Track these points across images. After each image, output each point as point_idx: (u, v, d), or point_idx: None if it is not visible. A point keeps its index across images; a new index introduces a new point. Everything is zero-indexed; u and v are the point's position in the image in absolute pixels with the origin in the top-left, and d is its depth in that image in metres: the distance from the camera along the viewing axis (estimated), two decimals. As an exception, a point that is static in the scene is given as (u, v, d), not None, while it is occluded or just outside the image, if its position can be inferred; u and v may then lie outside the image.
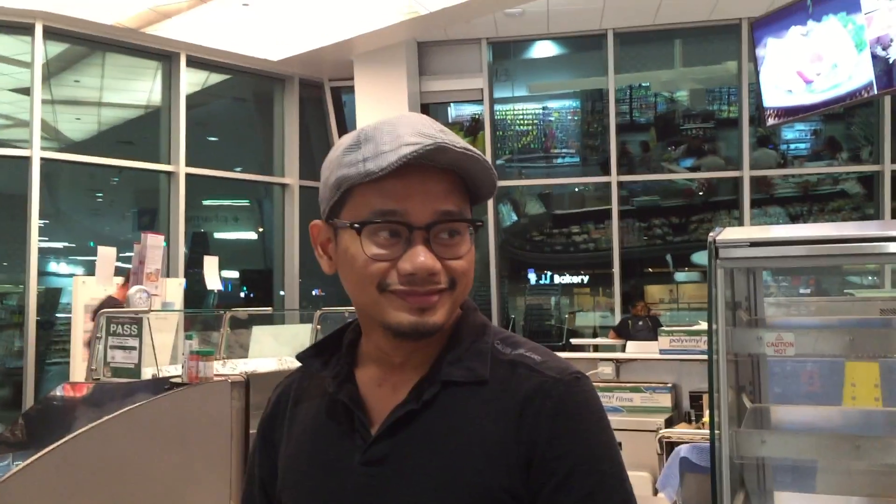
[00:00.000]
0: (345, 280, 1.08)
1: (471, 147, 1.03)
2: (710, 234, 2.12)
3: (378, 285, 1.02)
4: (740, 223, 9.07)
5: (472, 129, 10.28)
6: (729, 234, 2.15)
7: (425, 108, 9.73)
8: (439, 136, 1.00)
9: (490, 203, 9.56)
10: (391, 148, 0.99)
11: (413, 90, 9.46)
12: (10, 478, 2.65)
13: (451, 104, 10.46)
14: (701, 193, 10.00)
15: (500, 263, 9.76)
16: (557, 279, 10.53)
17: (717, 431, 2.01)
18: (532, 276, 10.57)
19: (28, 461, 2.68)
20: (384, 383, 1.10)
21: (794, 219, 9.47)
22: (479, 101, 9.83)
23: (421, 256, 1.00)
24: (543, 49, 10.38)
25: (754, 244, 2.06)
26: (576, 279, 10.59)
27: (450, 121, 10.64)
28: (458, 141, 1.02)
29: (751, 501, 2.18)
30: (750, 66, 8.58)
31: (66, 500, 2.70)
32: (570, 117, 10.48)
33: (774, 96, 6.15)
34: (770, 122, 6.31)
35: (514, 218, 10.57)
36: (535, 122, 10.47)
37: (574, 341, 9.37)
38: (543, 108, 10.54)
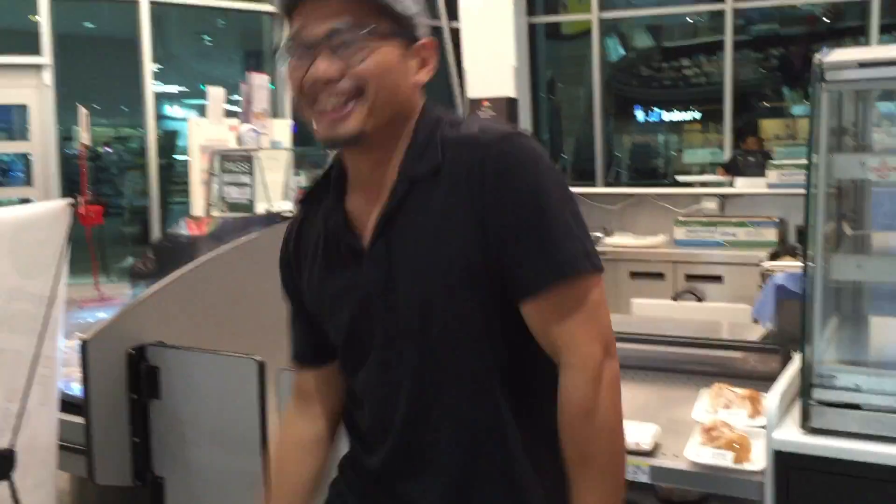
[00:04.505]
0: None
1: None
2: (817, 55, 2.02)
3: (306, 101, 1.15)
4: (866, 51, 8.42)
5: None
6: (838, 55, 2.03)
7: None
8: None
9: (594, 36, 9.19)
10: None
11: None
12: (144, 300, 2.91)
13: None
14: (826, 20, 9.30)
15: (605, 100, 9.48)
16: (666, 116, 10.19)
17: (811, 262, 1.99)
18: (639, 114, 10.26)
19: (157, 285, 2.93)
20: (370, 199, 1.22)
21: (928, 45, 8.74)
22: (586, -74, 9.26)
23: (316, 67, 1.11)
24: None
25: (863, 65, 1.95)
26: (686, 116, 10.22)
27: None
28: None
29: (845, 326, 2.18)
30: None
31: (192, 321, 2.96)
32: (683, -60, 9.78)
33: None
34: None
35: (621, 52, 10.16)
36: (646, -54, 9.84)
37: (680, 178, 9.17)
38: (654, -69, 9.86)
